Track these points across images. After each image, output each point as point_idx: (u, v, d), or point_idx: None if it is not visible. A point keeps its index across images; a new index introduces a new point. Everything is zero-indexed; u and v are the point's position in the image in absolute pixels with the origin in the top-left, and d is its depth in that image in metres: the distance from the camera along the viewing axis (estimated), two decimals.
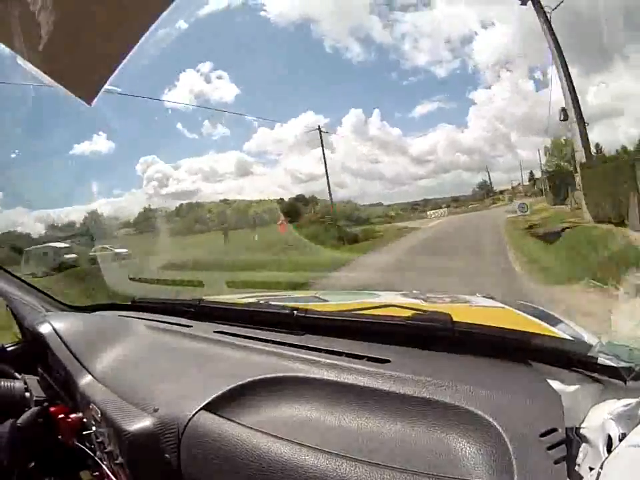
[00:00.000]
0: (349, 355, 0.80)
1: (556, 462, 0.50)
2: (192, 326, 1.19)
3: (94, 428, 0.93)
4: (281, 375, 0.79)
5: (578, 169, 8.58)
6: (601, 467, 0.46)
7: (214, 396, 0.76)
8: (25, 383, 1.27)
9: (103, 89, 1.05)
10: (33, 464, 1.21)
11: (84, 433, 0.98)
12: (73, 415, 1.05)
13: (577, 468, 0.53)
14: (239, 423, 0.70)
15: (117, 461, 0.81)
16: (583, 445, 0.55)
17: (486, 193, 11.93)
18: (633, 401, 0.55)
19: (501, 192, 12.29)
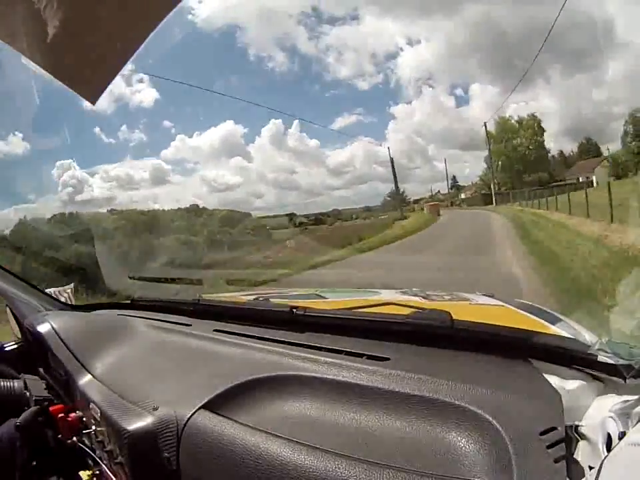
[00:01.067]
0: (348, 353, 0.80)
1: (556, 460, 0.50)
2: (191, 324, 1.19)
3: (93, 427, 0.93)
4: (280, 373, 0.78)
5: None
6: (601, 465, 0.46)
7: (213, 394, 0.76)
8: (25, 383, 1.27)
9: (107, 89, 1.05)
10: (32, 463, 1.21)
11: (84, 432, 0.98)
12: (72, 414, 1.05)
13: (576, 466, 0.53)
14: (238, 422, 0.70)
15: (117, 460, 0.81)
16: (583, 443, 0.55)
17: (399, 202, 12.17)
18: (632, 398, 0.54)
19: (415, 201, 12.66)
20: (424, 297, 1.11)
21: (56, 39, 0.95)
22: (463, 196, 12.61)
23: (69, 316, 1.48)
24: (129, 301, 1.57)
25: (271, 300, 1.17)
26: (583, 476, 0.50)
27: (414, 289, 1.22)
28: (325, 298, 1.27)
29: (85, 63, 1.02)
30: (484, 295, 1.15)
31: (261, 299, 1.24)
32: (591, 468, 0.50)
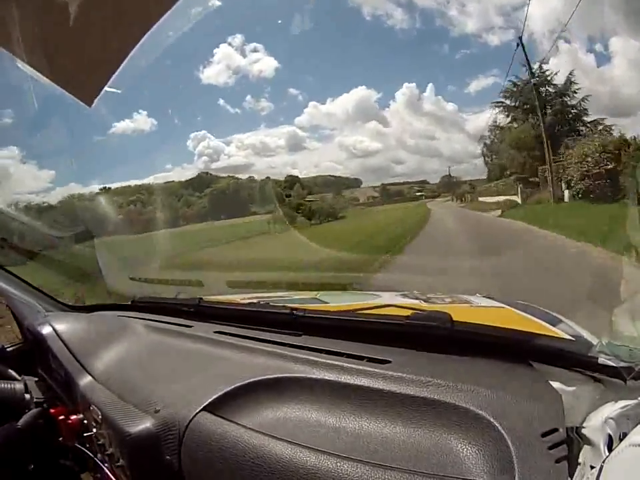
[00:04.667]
0: (349, 356, 0.80)
1: (557, 461, 0.50)
2: (192, 326, 1.19)
3: (94, 429, 0.93)
4: (281, 375, 0.79)
5: None
6: (602, 466, 0.46)
7: (215, 397, 0.76)
8: (25, 384, 1.27)
9: (103, 91, 1.05)
10: (33, 465, 1.21)
11: (84, 434, 0.98)
12: (73, 417, 1.05)
13: (577, 467, 0.53)
14: (239, 424, 0.70)
15: (118, 463, 0.81)
16: (584, 444, 0.55)
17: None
18: (633, 400, 0.55)
19: None
20: (424, 300, 1.11)
21: (51, 43, 0.95)
22: None
23: (69, 317, 1.48)
24: (129, 302, 1.57)
25: (272, 303, 1.17)
26: (584, 477, 0.50)
27: (414, 292, 1.22)
28: (325, 302, 1.27)
29: (80, 65, 1.03)
30: (484, 296, 1.15)
31: (261, 301, 1.24)
32: (592, 469, 0.50)
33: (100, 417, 0.88)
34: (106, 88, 1.10)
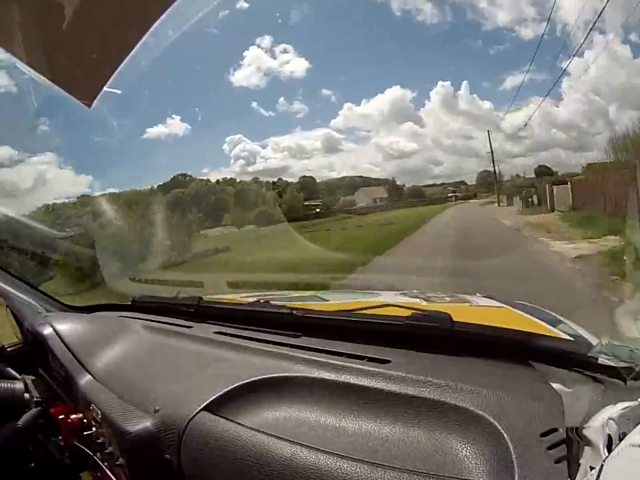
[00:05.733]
0: (349, 355, 0.80)
1: (556, 462, 0.50)
2: (192, 326, 1.19)
3: (94, 429, 0.93)
4: (281, 375, 0.79)
5: None
6: (601, 466, 0.46)
7: (214, 396, 0.76)
8: (25, 384, 1.27)
9: (102, 92, 1.05)
10: (33, 464, 1.21)
11: (84, 433, 0.98)
12: (73, 416, 1.05)
13: (577, 467, 0.53)
14: (239, 424, 0.70)
15: (118, 462, 0.82)
16: (584, 444, 0.55)
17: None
18: (633, 400, 0.55)
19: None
20: (424, 299, 1.11)
21: (51, 43, 0.96)
22: None
23: (69, 317, 1.48)
24: (129, 302, 1.57)
25: (272, 302, 1.17)
26: (584, 477, 0.50)
27: (414, 291, 1.22)
28: (325, 300, 1.27)
29: (80, 66, 1.03)
30: (484, 296, 1.15)
31: (261, 301, 1.24)
32: (591, 469, 0.50)
33: (100, 416, 0.88)
34: (105, 88, 1.10)
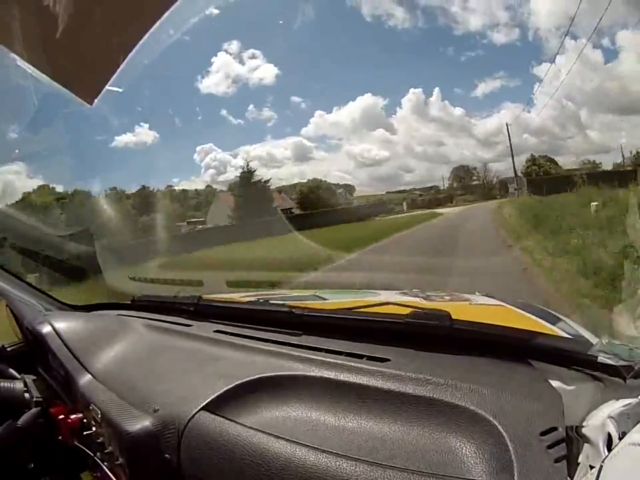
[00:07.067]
0: (348, 354, 0.80)
1: (556, 460, 0.50)
2: (192, 325, 1.19)
3: (94, 428, 0.93)
4: (280, 374, 0.79)
5: None
6: (601, 466, 0.46)
7: (214, 396, 0.76)
8: (25, 383, 1.27)
9: (104, 90, 1.05)
10: (33, 464, 1.21)
11: (84, 433, 0.98)
12: (73, 416, 1.05)
13: (577, 466, 0.53)
14: (239, 423, 0.70)
15: (117, 462, 0.81)
16: (583, 443, 0.55)
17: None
18: (632, 399, 0.55)
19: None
20: (423, 298, 1.11)
21: (52, 41, 0.95)
22: None
23: (69, 316, 1.48)
24: (129, 301, 1.57)
25: (271, 301, 1.17)
26: (584, 476, 0.50)
27: (414, 290, 1.22)
28: (324, 299, 1.27)
29: (81, 64, 1.03)
30: (484, 295, 1.15)
31: (261, 300, 1.24)
32: (591, 468, 0.50)
33: (99, 415, 0.88)
34: (107, 87, 1.10)
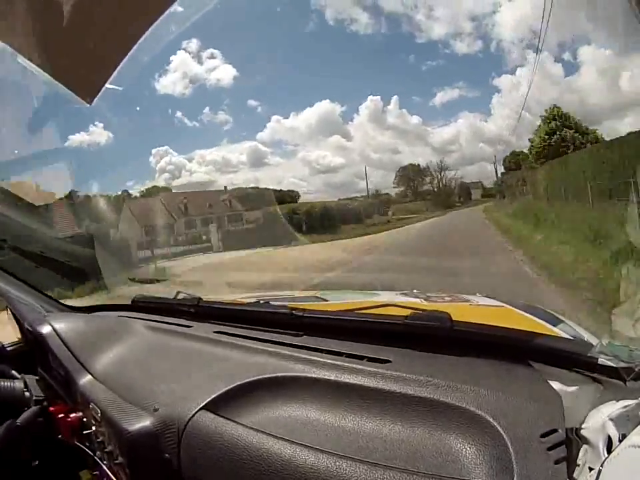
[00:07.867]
0: (349, 355, 0.80)
1: (556, 462, 0.50)
2: (192, 326, 1.19)
3: (94, 427, 0.93)
4: (280, 375, 0.79)
5: None
6: (601, 467, 0.46)
7: (214, 396, 0.76)
8: (25, 383, 1.27)
9: (103, 88, 1.05)
10: (33, 464, 1.21)
11: (84, 432, 0.98)
12: (72, 415, 1.05)
13: (577, 468, 0.53)
14: (239, 423, 0.70)
15: (117, 461, 0.82)
16: (583, 445, 0.55)
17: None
18: (632, 401, 0.55)
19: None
20: (424, 299, 1.11)
21: (52, 39, 0.95)
22: None
23: (69, 317, 1.48)
24: (129, 302, 1.57)
25: (272, 302, 1.17)
26: (584, 478, 0.50)
27: (414, 291, 1.22)
28: (325, 300, 1.27)
29: (81, 62, 1.03)
30: (484, 296, 1.15)
31: (261, 300, 1.24)
32: (591, 470, 0.50)
33: (99, 415, 0.88)
34: (107, 85, 1.10)
